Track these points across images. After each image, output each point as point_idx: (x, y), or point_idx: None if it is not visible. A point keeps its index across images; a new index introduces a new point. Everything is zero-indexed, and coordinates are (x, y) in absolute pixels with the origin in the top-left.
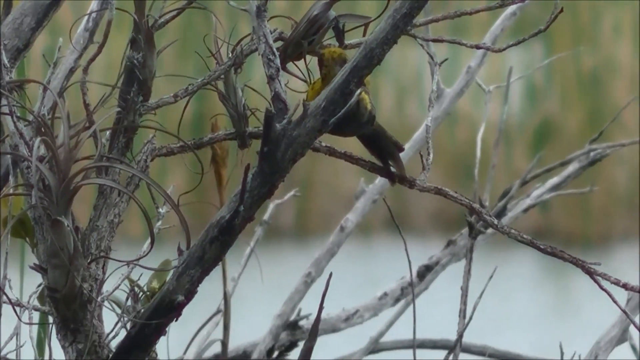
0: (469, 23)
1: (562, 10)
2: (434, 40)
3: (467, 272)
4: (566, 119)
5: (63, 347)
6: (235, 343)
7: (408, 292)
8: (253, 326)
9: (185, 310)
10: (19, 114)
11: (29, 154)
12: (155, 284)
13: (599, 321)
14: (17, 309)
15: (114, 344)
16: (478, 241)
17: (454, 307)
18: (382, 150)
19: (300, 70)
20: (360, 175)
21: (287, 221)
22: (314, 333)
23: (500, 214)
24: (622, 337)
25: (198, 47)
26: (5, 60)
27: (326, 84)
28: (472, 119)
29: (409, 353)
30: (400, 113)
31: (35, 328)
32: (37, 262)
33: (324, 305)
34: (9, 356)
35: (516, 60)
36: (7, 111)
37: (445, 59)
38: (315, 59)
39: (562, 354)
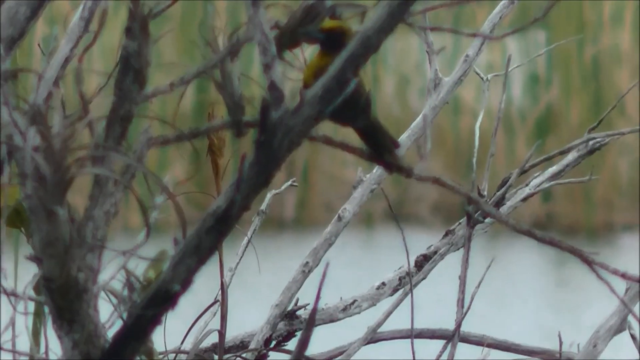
0: (473, 14)
1: None
2: (431, 29)
3: (465, 261)
4: (568, 108)
5: (59, 337)
6: (233, 333)
7: (406, 282)
8: (251, 316)
9: (182, 301)
10: (13, 104)
11: (24, 143)
12: (151, 274)
13: (599, 311)
14: (12, 299)
15: (110, 334)
16: (477, 230)
17: (453, 296)
18: (379, 144)
19: (297, 58)
20: (365, 165)
21: (288, 212)
22: (311, 323)
23: (499, 203)
24: (621, 326)
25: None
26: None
27: None
28: (474, 109)
29: (407, 343)
30: (402, 102)
31: (30, 318)
32: (32, 252)
33: (323, 295)
34: (4, 346)
35: (518, 50)
36: (2, 101)
37: (442, 47)
38: (311, 47)
39: (560, 343)
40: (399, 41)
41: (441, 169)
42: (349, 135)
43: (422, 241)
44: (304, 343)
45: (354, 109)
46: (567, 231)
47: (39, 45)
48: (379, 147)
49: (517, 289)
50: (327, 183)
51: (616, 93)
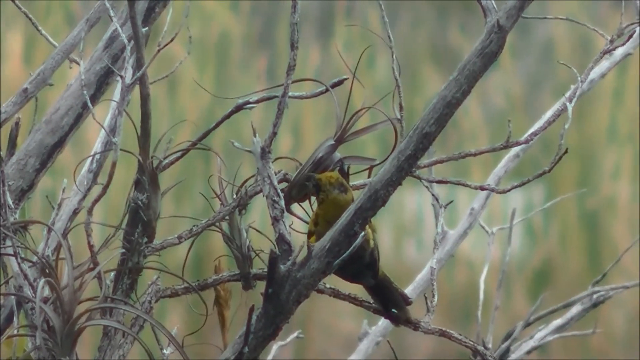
0: (470, 164)
1: (566, 151)
2: (439, 182)
3: None
4: (566, 261)
5: None
6: None
7: None
8: None
9: None
10: (23, 255)
11: (33, 295)
12: None
13: None
14: None
15: None
16: None
17: None
18: (389, 302)
19: (305, 211)
20: (360, 316)
21: None
22: None
23: (504, 355)
24: None
25: (196, 187)
26: (9, 201)
27: (324, 209)
28: (470, 260)
29: None
30: (399, 255)
31: None
32: None
33: None
34: None
35: (516, 202)
36: (12, 252)
37: (451, 201)
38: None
39: None
40: (396, 192)
41: (438, 319)
42: (355, 286)
43: None
44: None
45: (359, 265)
46: None
47: (46, 197)
48: (387, 303)
49: None
50: (324, 333)
51: (613, 245)
